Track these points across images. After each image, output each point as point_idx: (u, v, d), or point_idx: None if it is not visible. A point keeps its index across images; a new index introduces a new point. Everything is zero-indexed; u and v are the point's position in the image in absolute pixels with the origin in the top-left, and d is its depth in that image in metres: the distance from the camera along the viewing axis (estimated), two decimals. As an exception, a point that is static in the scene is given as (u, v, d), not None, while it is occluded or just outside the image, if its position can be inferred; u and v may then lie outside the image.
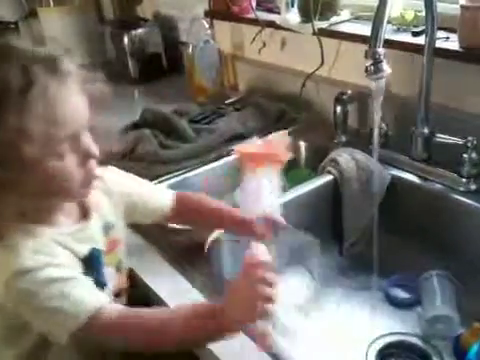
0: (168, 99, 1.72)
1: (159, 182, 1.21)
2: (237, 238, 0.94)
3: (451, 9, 1.18)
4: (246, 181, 0.92)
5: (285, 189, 1.09)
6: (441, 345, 0.91)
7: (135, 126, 1.47)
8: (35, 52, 0.72)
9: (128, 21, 2.14)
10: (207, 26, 1.73)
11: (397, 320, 0.99)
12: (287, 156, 0.96)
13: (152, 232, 1.04)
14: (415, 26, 1.23)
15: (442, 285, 0.98)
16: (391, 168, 1.19)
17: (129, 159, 1.31)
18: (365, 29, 1.21)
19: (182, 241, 1.02)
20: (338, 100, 1.30)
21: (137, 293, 0.94)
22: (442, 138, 1.13)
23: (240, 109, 1.55)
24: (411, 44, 1.19)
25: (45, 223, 0.77)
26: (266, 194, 0.90)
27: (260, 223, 0.90)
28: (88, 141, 0.75)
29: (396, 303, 1.04)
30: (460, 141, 1.08)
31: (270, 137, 1.20)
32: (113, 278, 0.86)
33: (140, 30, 2.01)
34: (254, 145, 1.07)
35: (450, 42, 1.14)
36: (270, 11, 1.63)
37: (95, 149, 0.76)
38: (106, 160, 0.82)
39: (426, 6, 1.05)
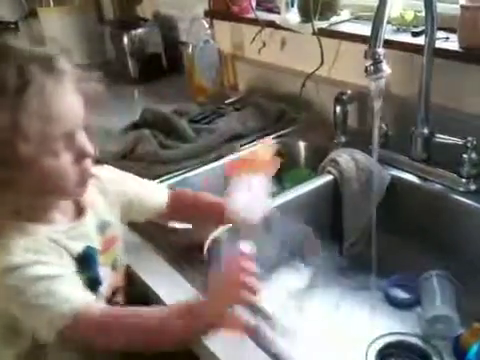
0: (168, 99, 1.72)
1: (159, 182, 1.21)
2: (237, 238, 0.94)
3: (451, 9, 1.18)
4: (233, 186, 0.92)
5: (276, 195, 1.09)
6: (441, 345, 0.91)
7: (135, 126, 1.47)
8: (31, 51, 0.73)
9: (128, 21, 2.14)
10: (207, 26, 1.73)
11: (397, 320, 0.99)
12: (275, 163, 0.96)
13: (150, 230, 1.04)
14: (415, 26, 1.23)
15: (442, 285, 0.98)
16: (391, 168, 1.19)
17: (129, 159, 1.32)
18: (365, 29, 1.21)
19: (182, 241, 1.02)
20: (338, 100, 1.30)
21: (135, 292, 0.94)
22: (442, 138, 1.13)
23: (240, 109, 1.55)
24: (411, 44, 1.19)
25: (40, 221, 0.78)
26: (255, 198, 0.90)
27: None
28: (83, 140, 0.76)
29: (396, 303, 1.04)
30: (460, 141, 1.08)
31: (256, 147, 1.19)
32: (109, 277, 0.87)
33: (140, 30, 2.01)
34: (241, 156, 1.08)
35: (450, 42, 1.14)
36: (270, 11, 1.63)
37: (90, 148, 0.77)
38: (102, 159, 0.83)
39: (426, 6, 1.05)
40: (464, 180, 1.09)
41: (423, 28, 1.11)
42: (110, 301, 0.87)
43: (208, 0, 1.75)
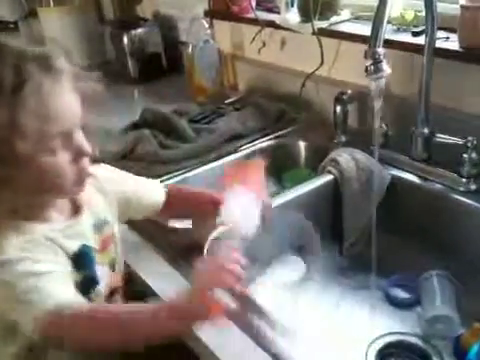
0: (168, 99, 1.72)
1: (159, 182, 1.21)
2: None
3: (451, 9, 1.18)
4: (226, 198, 0.92)
5: (276, 195, 1.09)
6: (441, 345, 0.91)
7: (135, 126, 1.47)
8: (29, 50, 0.73)
9: (128, 21, 2.14)
10: (207, 26, 1.73)
11: (397, 320, 0.99)
12: (264, 185, 0.97)
13: (149, 230, 1.04)
14: (415, 26, 1.23)
15: (442, 285, 0.98)
16: (391, 168, 1.19)
17: (129, 159, 1.32)
18: (365, 29, 1.21)
19: (182, 241, 1.02)
20: (338, 100, 1.30)
21: (134, 291, 0.94)
22: (442, 138, 1.13)
23: (240, 109, 1.55)
24: (411, 44, 1.19)
25: (37, 220, 0.78)
26: (247, 215, 0.90)
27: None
28: (81, 139, 0.76)
29: (396, 303, 1.04)
30: (460, 141, 1.08)
31: (248, 162, 1.17)
32: (107, 276, 0.86)
33: (140, 30, 2.01)
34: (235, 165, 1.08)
35: (450, 42, 1.14)
36: (270, 11, 1.62)
37: (88, 147, 0.77)
38: (99, 158, 0.83)
39: (426, 6, 1.05)
40: (464, 180, 1.09)
41: (423, 28, 1.11)
42: (108, 301, 0.87)
43: (208, 0, 1.75)
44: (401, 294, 1.06)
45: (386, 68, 0.89)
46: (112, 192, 0.91)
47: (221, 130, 1.39)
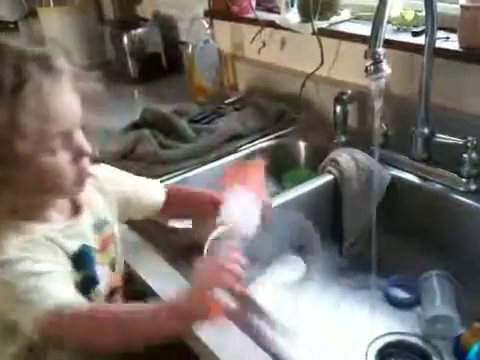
0: (168, 99, 1.72)
1: (159, 182, 1.21)
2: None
3: (451, 9, 1.18)
4: (226, 198, 0.92)
5: (276, 195, 1.09)
6: (441, 345, 0.91)
7: (135, 126, 1.47)
8: (29, 50, 0.73)
9: (128, 21, 2.14)
10: (207, 26, 1.73)
11: (397, 320, 0.99)
12: (264, 185, 0.96)
13: (150, 230, 1.04)
14: (415, 26, 1.23)
15: (442, 285, 0.98)
16: (391, 168, 1.19)
17: (129, 159, 1.32)
18: (365, 29, 1.21)
19: (182, 241, 1.02)
20: (338, 100, 1.30)
21: (134, 291, 0.94)
22: (442, 138, 1.13)
23: (240, 109, 1.55)
24: (411, 44, 1.19)
25: (37, 220, 0.78)
26: (247, 215, 0.89)
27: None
28: (81, 139, 0.76)
29: (396, 303, 1.04)
30: (460, 141, 1.08)
31: (248, 162, 1.15)
32: (107, 276, 0.86)
33: (140, 30, 2.01)
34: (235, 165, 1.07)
35: (450, 42, 1.14)
36: (270, 11, 1.62)
37: (88, 147, 0.77)
38: (99, 158, 0.83)
39: (426, 6, 1.05)
40: (464, 180, 1.09)
41: (423, 28, 1.11)
42: (108, 300, 0.87)
43: (208, 0, 1.75)
44: (401, 294, 1.06)
45: (386, 68, 0.89)
46: (112, 192, 0.91)
47: (221, 130, 1.39)
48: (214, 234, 1.01)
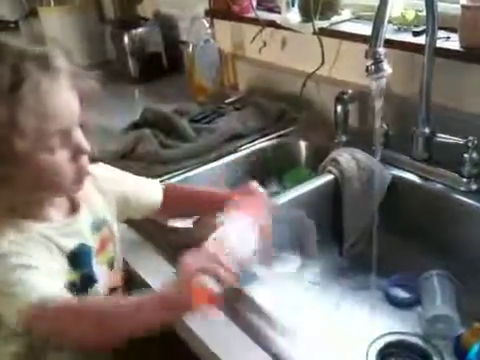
0: (168, 98, 1.72)
1: (160, 182, 1.21)
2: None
3: (452, 9, 1.18)
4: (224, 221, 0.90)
5: (277, 194, 1.08)
6: (441, 345, 0.91)
7: (135, 126, 1.47)
8: (27, 49, 0.73)
9: (128, 20, 2.14)
10: (207, 25, 1.73)
11: (397, 320, 0.99)
12: (264, 211, 0.94)
13: (149, 229, 1.04)
14: (416, 26, 1.23)
15: (442, 285, 0.98)
16: (392, 168, 1.19)
17: (129, 159, 1.32)
18: (366, 29, 1.21)
19: (182, 240, 1.02)
20: (339, 100, 1.30)
21: (134, 291, 0.94)
22: (443, 138, 1.13)
23: (240, 109, 1.55)
24: (412, 44, 1.19)
25: (35, 218, 0.78)
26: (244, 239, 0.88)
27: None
28: (79, 137, 0.76)
29: (396, 303, 1.03)
30: (461, 141, 1.08)
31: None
32: (105, 275, 0.86)
33: (140, 29, 2.01)
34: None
35: (451, 42, 1.14)
36: (270, 10, 1.62)
37: (86, 145, 0.77)
38: (98, 157, 0.83)
39: (427, 6, 1.05)
40: (465, 180, 1.09)
41: (424, 28, 1.11)
42: None
43: (208, -1, 1.75)
44: (401, 294, 1.05)
45: (387, 68, 0.89)
46: (111, 191, 0.91)
47: (221, 130, 1.39)
48: (214, 235, 1.00)
